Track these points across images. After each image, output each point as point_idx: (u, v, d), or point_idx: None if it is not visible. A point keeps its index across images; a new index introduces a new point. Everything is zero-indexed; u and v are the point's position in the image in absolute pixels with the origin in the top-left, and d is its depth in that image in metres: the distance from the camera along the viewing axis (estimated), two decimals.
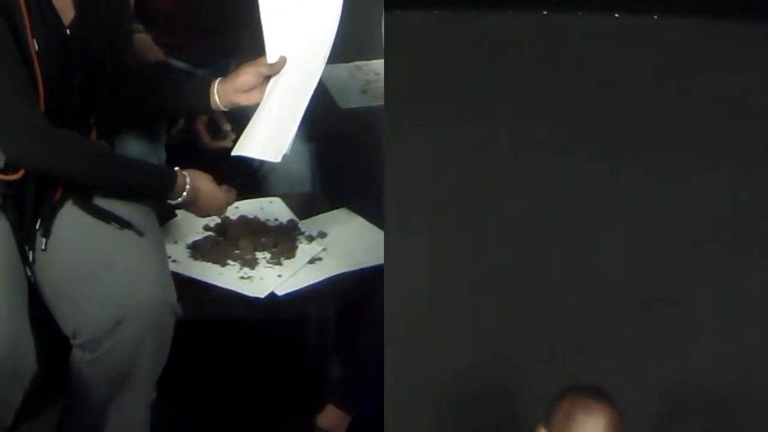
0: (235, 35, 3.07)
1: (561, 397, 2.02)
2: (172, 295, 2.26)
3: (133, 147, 2.78)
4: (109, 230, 2.31)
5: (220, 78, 2.50)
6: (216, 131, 2.85)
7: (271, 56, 2.46)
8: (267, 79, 2.46)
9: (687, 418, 2.49)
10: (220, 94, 2.48)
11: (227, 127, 2.85)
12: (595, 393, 2.02)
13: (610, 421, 1.98)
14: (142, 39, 2.85)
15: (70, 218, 2.32)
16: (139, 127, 2.80)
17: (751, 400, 2.48)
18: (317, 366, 2.70)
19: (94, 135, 2.38)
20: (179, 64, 2.97)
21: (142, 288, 2.21)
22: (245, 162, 3.06)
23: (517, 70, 2.58)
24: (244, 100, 2.47)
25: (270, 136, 2.41)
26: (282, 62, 2.44)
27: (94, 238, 2.30)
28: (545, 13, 2.58)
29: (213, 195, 2.45)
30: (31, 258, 2.30)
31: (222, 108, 2.51)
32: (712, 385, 2.49)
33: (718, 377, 2.49)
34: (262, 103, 2.46)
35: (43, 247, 2.29)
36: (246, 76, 2.46)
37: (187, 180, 2.39)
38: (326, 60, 2.39)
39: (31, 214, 2.31)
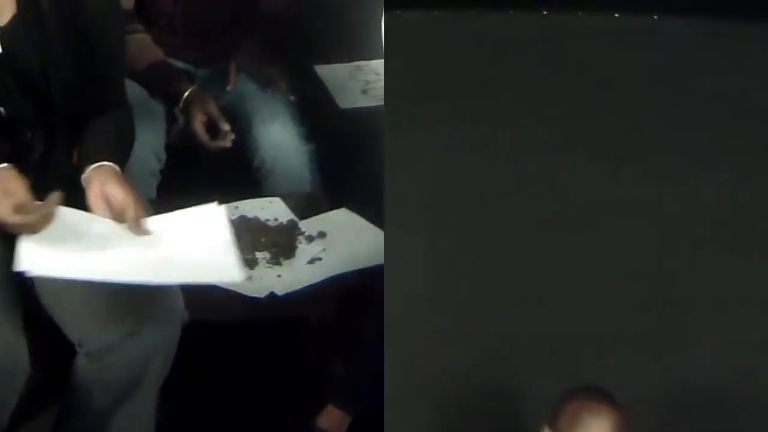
0: (235, 36, 3.08)
1: (566, 398, 2.02)
2: (180, 302, 2.22)
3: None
4: None
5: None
6: (215, 131, 2.86)
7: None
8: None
9: (687, 418, 2.48)
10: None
11: (226, 127, 2.86)
12: (600, 395, 2.02)
13: (615, 424, 1.98)
14: (142, 39, 2.86)
15: None
16: (138, 127, 2.80)
17: (751, 400, 2.48)
18: (317, 366, 2.70)
19: None
20: (179, 64, 2.97)
21: (151, 297, 2.16)
22: (245, 162, 3.07)
23: (517, 70, 2.58)
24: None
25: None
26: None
27: None
28: (545, 13, 2.58)
29: None
30: None
31: None
32: (712, 385, 2.49)
33: (718, 377, 2.49)
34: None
35: None
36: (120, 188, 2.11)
37: None
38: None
39: None
